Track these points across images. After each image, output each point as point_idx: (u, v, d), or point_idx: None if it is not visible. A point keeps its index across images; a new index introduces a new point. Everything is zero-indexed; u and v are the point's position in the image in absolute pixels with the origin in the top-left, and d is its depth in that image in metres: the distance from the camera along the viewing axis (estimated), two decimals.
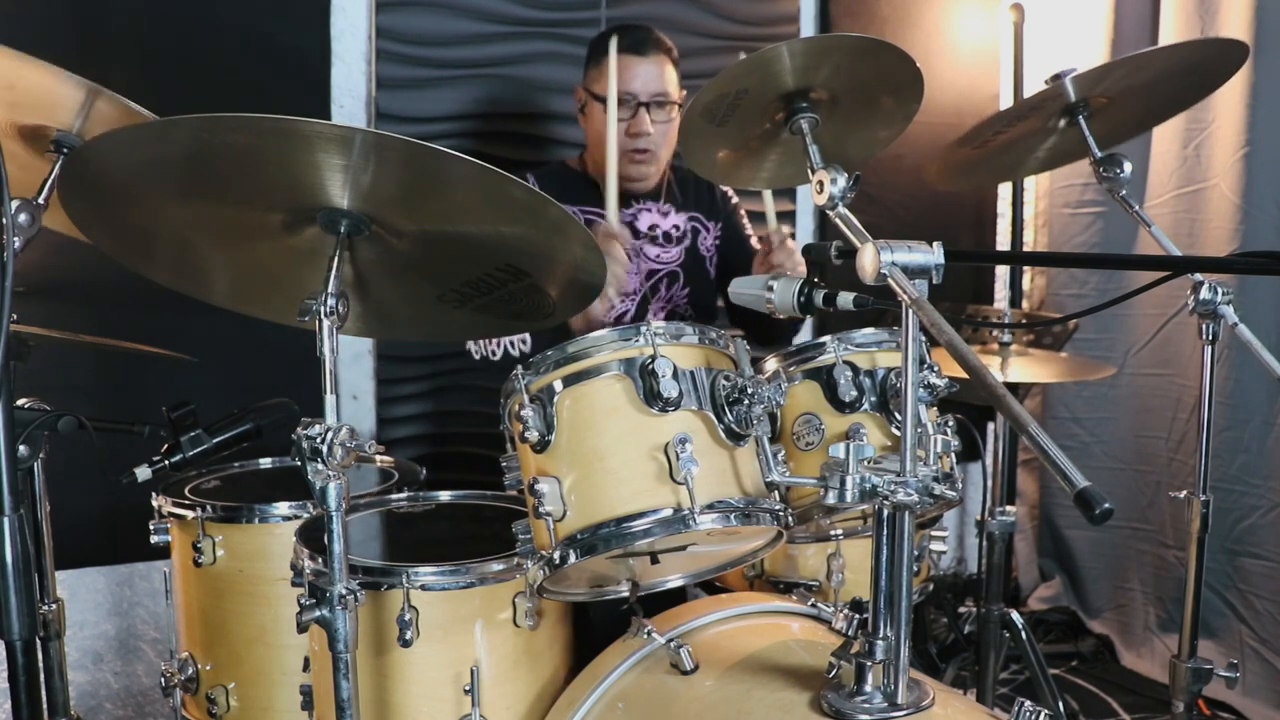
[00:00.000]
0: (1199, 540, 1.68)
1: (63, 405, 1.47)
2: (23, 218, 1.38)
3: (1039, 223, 3.52)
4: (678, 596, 1.62)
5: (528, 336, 1.98)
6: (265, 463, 1.99)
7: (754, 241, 2.36)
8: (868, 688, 1.14)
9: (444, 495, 1.74)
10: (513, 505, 1.66)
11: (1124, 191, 1.69)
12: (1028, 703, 1.13)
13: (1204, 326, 1.61)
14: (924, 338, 1.15)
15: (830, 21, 3.12)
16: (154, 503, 1.73)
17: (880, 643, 1.13)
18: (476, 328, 1.75)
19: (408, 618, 1.32)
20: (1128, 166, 1.68)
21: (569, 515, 1.22)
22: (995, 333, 2.44)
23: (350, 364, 2.61)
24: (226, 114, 1.04)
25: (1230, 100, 2.79)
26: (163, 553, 1.76)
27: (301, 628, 1.18)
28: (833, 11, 3.12)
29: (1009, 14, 3.40)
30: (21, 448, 1.41)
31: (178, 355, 1.82)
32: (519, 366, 1.26)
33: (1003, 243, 3.51)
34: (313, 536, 1.42)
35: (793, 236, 2.59)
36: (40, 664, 1.40)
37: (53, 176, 1.43)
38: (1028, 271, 3.54)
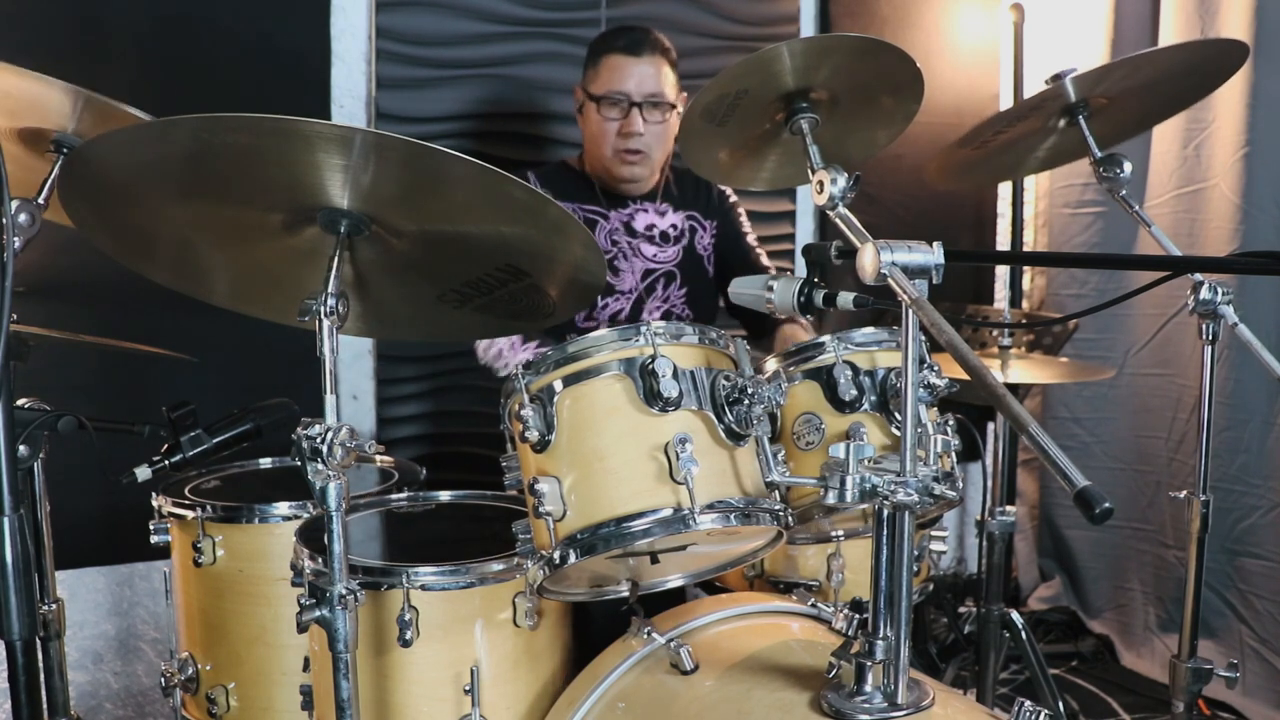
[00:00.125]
0: (1199, 540, 1.68)
1: (63, 405, 1.47)
2: (23, 218, 1.38)
3: (1039, 223, 3.52)
4: (677, 596, 1.62)
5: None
6: (265, 463, 1.99)
7: (751, 239, 2.36)
8: (868, 688, 1.14)
9: (444, 495, 1.74)
10: (513, 505, 1.66)
11: (1124, 191, 1.69)
12: (1028, 703, 1.13)
13: (1204, 326, 1.61)
14: (924, 338, 1.15)
15: (830, 21, 3.12)
16: (154, 503, 1.73)
17: (880, 643, 1.13)
18: (476, 328, 1.75)
19: (408, 618, 1.32)
20: (1128, 166, 1.68)
21: (569, 515, 1.22)
22: (995, 333, 2.44)
23: (350, 364, 2.61)
24: (226, 114, 1.04)
25: (1230, 100, 2.79)
26: (163, 553, 1.76)
27: (301, 628, 1.18)
28: (833, 11, 3.12)
29: (1009, 14, 3.40)
30: (21, 448, 1.41)
31: (178, 355, 1.82)
32: (519, 366, 1.26)
33: (1003, 243, 3.51)
34: (313, 536, 1.42)
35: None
36: (40, 664, 1.40)
37: (53, 176, 1.43)
38: (1028, 271, 3.54)
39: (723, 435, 1.24)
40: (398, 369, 2.65)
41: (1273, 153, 2.75)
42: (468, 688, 1.33)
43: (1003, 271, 3.55)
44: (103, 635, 2.42)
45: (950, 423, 1.38)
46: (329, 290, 1.19)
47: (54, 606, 1.62)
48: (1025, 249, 3.52)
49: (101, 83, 1.44)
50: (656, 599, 1.44)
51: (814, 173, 1.32)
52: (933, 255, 1.12)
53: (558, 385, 1.24)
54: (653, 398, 1.20)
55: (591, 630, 1.54)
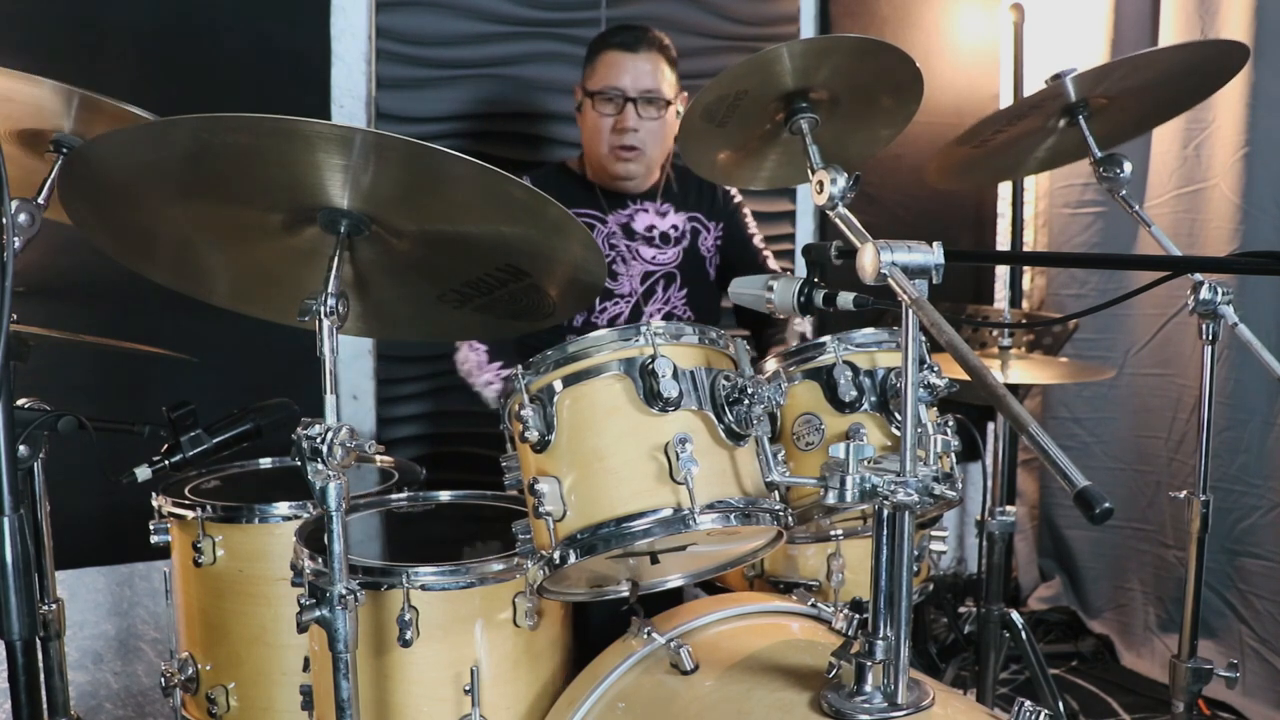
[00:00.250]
0: (1199, 540, 1.68)
1: (63, 405, 1.47)
2: (23, 218, 1.38)
3: (1039, 223, 3.52)
4: (677, 596, 1.62)
5: None
6: (265, 463, 1.99)
7: (757, 241, 2.35)
8: (868, 688, 1.14)
9: (444, 495, 1.74)
10: (513, 505, 1.66)
11: (1124, 191, 1.69)
12: (1028, 703, 1.13)
13: (1204, 326, 1.61)
14: (924, 338, 1.15)
15: (830, 21, 3.12)
16: (154, 503, 1.73)
17: (880, 643, 1.13)
18: (476, 328, 1.75)
19: (408, 618, 1.32)
20: (1128, 166, 1.68)
21: (569, 515, 1.22)
22: (995, 333, 2.44)
23: (350, 364, 2.61)
24: (226, 114, 1.04)
25: (1230, 100, 2.79)
26: (163, 553, 1.76)
27: (301, 628, 1.18)
28: (833, 11, 3.12)
29: (1009, 14, 3.40)
30: (21, 448, 1.41)
31: (178, 355, 1.82)
32: (519, 366, 1.26)
33: (1003, 243, 3.51)
34: (313, 536, 1.42)
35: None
36: (40, 664, 1.40)
37: (52, 176, 1.43)
38: (1028, 271, 3.54)
39: (723, 435, 1.24)
40: (398, 369, 2.65)
41: (1273, 153, 2.75)
42: (468, 688, 1.33)
43: (1003, 271, 3.55)
44: (103, 635, 2.42)
45: (950, 423, 1.38)
46: (329, 290, 1.19)
47: (54, 606, 1.62)
48: (1025, 249, 3.52)
49: (101, 83, 1.44)
50: (656, 599, 1.44)
51: (814, 173, 1.32)
52: (933, 255, 1.12)
53: (558, 385, 1.24)
54: (653, 398, 1.20)
55: (591, 630, 1.54)
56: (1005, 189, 3.50)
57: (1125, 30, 3.17)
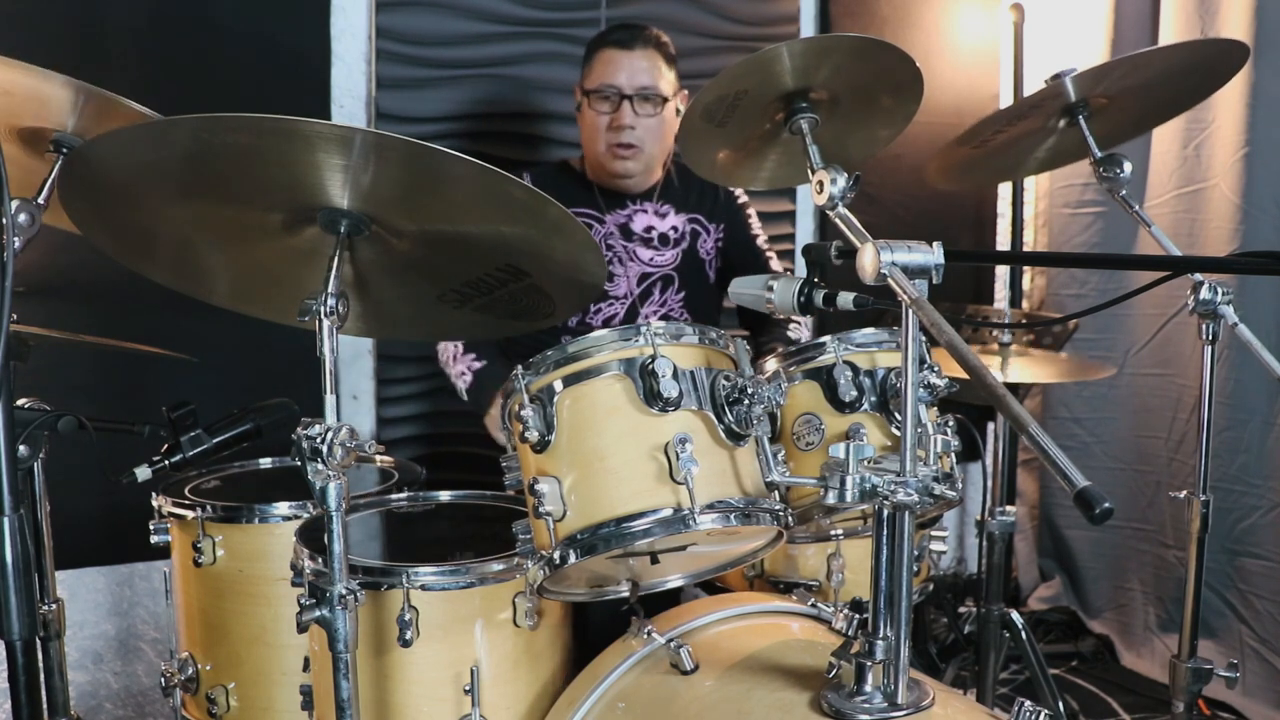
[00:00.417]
0: (1199, 540, 1.68)
1: (63, 405, 1.47)
2: (23, 218, 1.38)
3: (1039, 223, 3.52)
4: (677, 597, 1.62)
5: None
6: (265, 463, 1.99)
7: (761, 241, 2.33)
8: (868, 688, 1.14)
9: (444, 495, 1.74)
10: (513, 505, 1.66)
11: (1124, 191, 1.69)
12: (1028, 703, 1.13)
13: (1204, 326, 1.61)
14: (924, 338, 1.15)
15: (830, 21, 3.12)
16: (154, 503, 1.73)
17: (880, 643, 1.13)
18: (476, 328, 1.75)
19: (408, 618, 1.32)
20: (1128, 166, 1.68)
21: (569, 515, 1.22)
22: (995, 333, 2.44)
23: (350, 364, 2.61)
24: (226, 114, 1.04)
25: (1230, 100, 2.79)
26: (163, 553, 1.76)
27: (301, 628, 1.18)
28: (833, 11, 3.12)
29: (1009, 14, 3.40)
30: (21, 448, 1.41)
31: (178, 355, 1.82)
32: (519, 366, 1.26)
33: (1003, 243, 3.51)
34: (313, 536, 1.42)
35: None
36: (40, 664, 1.40)
37: (53, 176, 1.43)
38: (1028, 271, 3.54)
39: (723, 435, 1.24)
40: (397, 369, 2.65)
41: (1273, 153, 2.75)
42: (468, 688, 1.33)
43: (1003, 271, 3.55)
44: (103, 635, 2.42)
45: (950, 423, 1.38)
46: (329, 290, 1.19)
47: (54, 606, 1.62)
48: (1025, 249, 3.52)
49: (101, 83, 1.43)
50: (656, 599, 1.44)
51: (814, 173, 1.32)
52: (933, 255, 1.12)
53: (558, 385, 1.24)
54: (653, 398, 1.20)
55: (591, 630, 1.54)
56: (1005, 189, 3.50)
57: (1125, 30, 3.17)
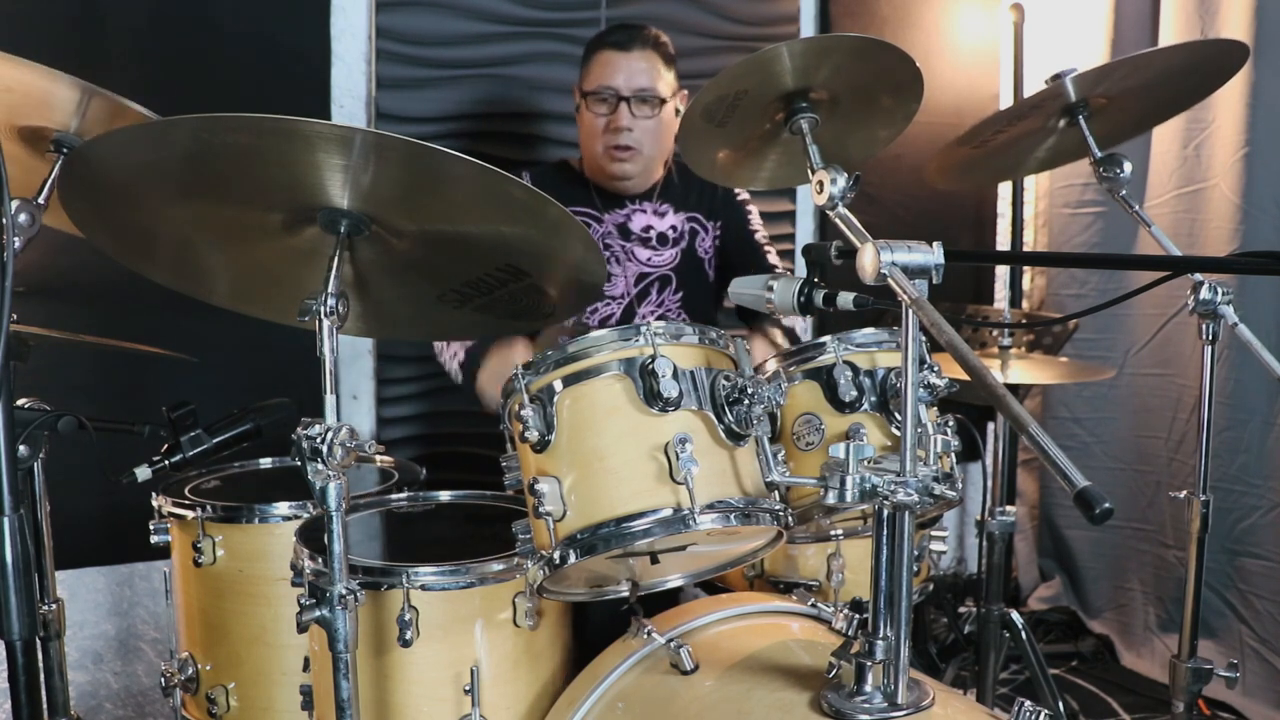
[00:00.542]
0: (1199, 540, 1.68)
1: (63, 405, 1.47)
2: (23, 218, 1.38)
3: (1039, 223, 3.52)
4: (676, 597, 1.62)
5: None
6: (265, 463, 1.99)
7: (759, 236, 2.31)
8: (868, 688, 1.14)
9: (444, 495, 1.74)
10: (513, 505, 1.66)
11: (1124, 191, 1.69)
12: (1028, 703, 1.13)
13: (1204, 326, 1.61)
14: (924, 338, 1.15)
15: (830, 21, 3.12)
16: (154, 503, 1.73)
17: (880, 643, 1.13)
18: (476, 328, 1.75)
19: (408, 618, 1.32)
20: (1128, 166, 1.68)
21: (569, 515, 1.22)
22: (995, 333, 2.44)
23: (350, 364, 2.61)
24: (226, 114, 1.04)
25: (1230, 100, 2.79)
26: (163, 553, 1.76)
27: (301, 628, 1.18)
28: (833, 11, 3.12)
29: (1009, 14, 3.40)
30: (21, 448, 1.41)
31: (178, 355, 1.82)
32: (519, 366, 1.26)
33: (1003, 243, 3.51)
34: (313, 536, 1.42)
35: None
36: (40, 664, 1.40)
37: (53, 176, 1.43)
38: (1028, 271, 3.54)
39: (723, 435, 1.24)
40: (397, 369, 2.65)
41: (1273, 153, 2.75)
42: (468, 688, 1.33)
43: (1003, 271, 3.55)
44: (103, 635, 2.42)
45: (950, 423, 1.38)
46: (329, 290, 1.19)
47: (54, 606, 1.62)
48: (1025, 249, 3.52)
49: (101, 83, 1.44)
50: (656, 599, 1.44)
51: (814, 173, 1.32)
52: (933, 255, 1.12)
53: (557, 385, 1.24)
54: (653, 398, 1.20)
55: (591, 630, 1.54)
56: (1005, 189, 3.50)
57: (1125, 30, 3.17)
